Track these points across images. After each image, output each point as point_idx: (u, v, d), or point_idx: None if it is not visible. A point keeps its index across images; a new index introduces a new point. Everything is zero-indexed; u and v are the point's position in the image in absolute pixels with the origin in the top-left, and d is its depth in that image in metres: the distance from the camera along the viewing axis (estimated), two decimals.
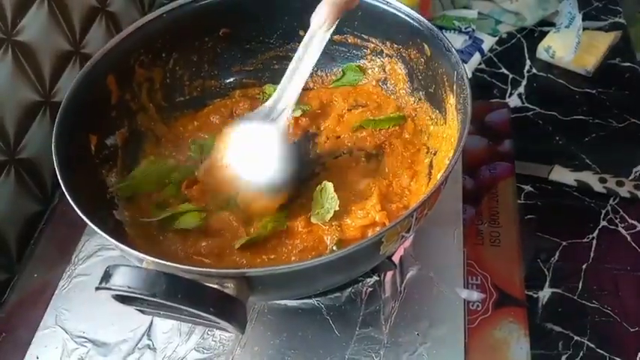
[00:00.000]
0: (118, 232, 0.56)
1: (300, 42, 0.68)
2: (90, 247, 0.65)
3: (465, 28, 0.94)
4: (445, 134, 0.60)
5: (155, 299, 0.39)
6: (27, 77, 0.72)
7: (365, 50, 0.68)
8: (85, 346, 0.59)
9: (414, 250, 0.62)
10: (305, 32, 0.67)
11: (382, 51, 0.67)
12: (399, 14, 0.61)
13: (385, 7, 0.61)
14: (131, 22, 0.93)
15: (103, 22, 0.88)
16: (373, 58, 0.68)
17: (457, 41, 0.92)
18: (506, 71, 0.91)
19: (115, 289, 0.40)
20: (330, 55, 0.69)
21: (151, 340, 0.58)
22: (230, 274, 0.43)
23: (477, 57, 0.92)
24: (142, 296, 0.40)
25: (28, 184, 0.74)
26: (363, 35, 0.67)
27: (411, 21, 0.60)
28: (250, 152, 0.59)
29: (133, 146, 0.64)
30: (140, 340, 0.58)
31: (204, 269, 0.43)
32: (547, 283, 0.66)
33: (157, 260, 0.43)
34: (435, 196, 0.49)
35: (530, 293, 0.65)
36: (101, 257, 0.64)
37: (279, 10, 0.66)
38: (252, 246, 0.56)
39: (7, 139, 0.70)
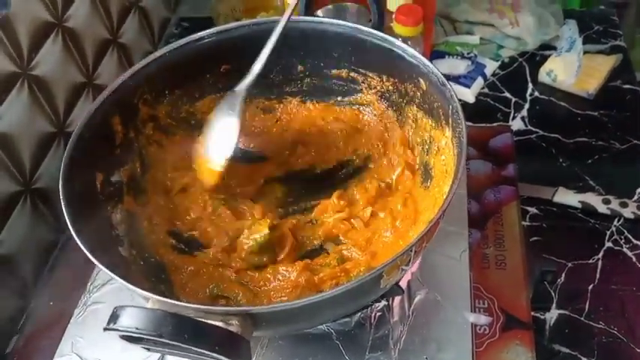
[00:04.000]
0: (123, 268, 0.57)
1: (298, 77, 0.71)
2: (104, 275, 0.67)
3: (468, 54, 0.96)
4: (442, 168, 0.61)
5: (162, 339, 0.41)
6: (42, 109, 0.74)
7: (362, 84, 0.69)
8: None
9: (421, 275, 0.63)
10: (304, 67, 0.71)
11: (377, 86, 0.69)
12: (395, 50, 0.62)
13: (380, 42, 0.62)
14: (142, 53, 0.98)
15: (114, 54, 0.90)
16: (369, 91, 0.70)
17: (460, 66, 0.94)
18: (509, 95, 0.93)
19: (122, 330, 0.41)
20: (328, 88, 0.70)
21: None
22: (233, 312, 0.45)
23: (479, 81, 0.93)
24: (149, 337, 0.41)
25: (43, 213, 0.75)
26: (360, 70, 0.68)
27: (406, 56, 0.61)
28: (216, 123, 0.62)
29: (137, 181, 0.65)
30: None
31: (209, 307, 0.45)
32: (554, 305, 0.67)
33: (162, 299, 0.45)
34: (434, 230, 0.50)
35: (538, 315, 0.66)
36: (115, 285, 0.66)
37: (278, 47, 0.68)
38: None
39: (23, 169, 0.72)
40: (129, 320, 0.41)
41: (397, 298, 0.60)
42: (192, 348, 0.42)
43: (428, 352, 0.58)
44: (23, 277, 0.72)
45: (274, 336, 0.60)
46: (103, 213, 0.60)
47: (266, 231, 0.60)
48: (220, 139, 0.62)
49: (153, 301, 0.46)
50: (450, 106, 0.57)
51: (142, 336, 0.41)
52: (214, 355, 0.42)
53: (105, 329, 0.42)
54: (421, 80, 0.62)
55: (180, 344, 0.41)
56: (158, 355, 0.60)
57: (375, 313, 0.59)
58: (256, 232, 0.59)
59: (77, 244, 0.49)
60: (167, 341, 0.41)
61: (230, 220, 0.63)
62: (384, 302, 0.59)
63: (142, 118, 0.65)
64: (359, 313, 0.58)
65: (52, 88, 0.76)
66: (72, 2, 0.79)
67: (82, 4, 0.81)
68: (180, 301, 0.57)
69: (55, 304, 0.68)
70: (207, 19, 1.02)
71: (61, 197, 0.52)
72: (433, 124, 0.62)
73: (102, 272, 0.67)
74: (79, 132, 0.57)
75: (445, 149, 0.60)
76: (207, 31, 0.66)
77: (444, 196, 0.51)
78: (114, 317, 0.42)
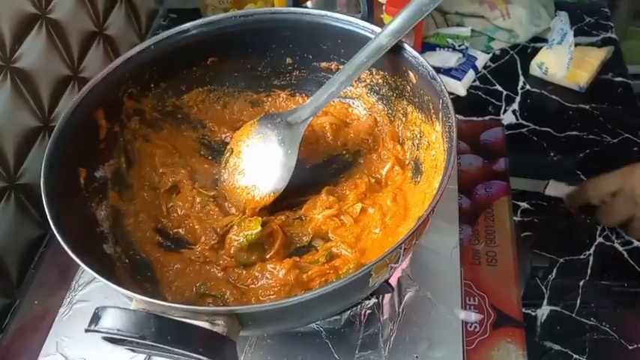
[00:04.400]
0: (108, 266, 0.56)
1: (286, 70, 0.70)
2: (89, 273, 0.65)
3: (459, 46, 0.95)
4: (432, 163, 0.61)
5: (145, 341, 0.40)
6: (26, 103, 0.73)
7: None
8: None
9: (411, 272, 0.62)
10: (292, 60, 0.70)
11: (366, 79, 0.68)
12: None
13: (369, 34, 0.61)
14: (129, 45, 0.96)
15: (100, 46, 0.89)
16: (359, 84, 0.69)
17: (451, 59, 0.93)
18: (500, 88, 0.92)
19: (104, 332, 0.40)
20: (317, 81, 0.69)
21: None
22: (220, 312, 0.44)
23: (471, 74, 0.93)
24: (131, 338, 0.40)
25: (28, 209, 0.74)
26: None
27: (396, 49, 0.60)
28: (262, 151, 0.63)
29: (122, 177, 0.64)
30: None
31: (194, 307, 0.43)
32: (545, 301, 0.67)
33: (146, 299, 0.44)
34: (423, 227, 0.49)
35: (529, 311, 0.65)
36: (101, 283, 0.63)
37: (266, 39, 0.67)
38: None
39: (7, 165, 0.70)
40: (110, 322, 0.40)
41: (387, 296, 0.59)
42: (176, 350, 0.41)
43: (418, 350, 0.57)
44: (8, 274, 0.71)
45: (263, 335, 0.59)
46: (87, 209, 0.59)
47: (259, 228, 0.59)
48: (266, 169, 0.62)
49: (137, 300, 0.45)
50: (440, 100, 0.56)
51: (124, 338, 0.40)
52: (198, 356, 0.41)
53: (86, 330, 0.41)
54: (411, 73, 0.61)
55: (163, 346, 0.40)
56: (144, 355, 0.59)
57: (365, 311, 0.59)
58: (247, 229, 0.58)
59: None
60: (150, 343, 0.40)
61: (218, 217, 0.62)
62: (374, 300, 0.59)
63: (126, 112, 0.64)
64: (349, 311, 0.58)
65: (37, 81, 0.74)
66: None
67: None
68: (166, 300, 0.56)
69: (40, 303, 0.67)
70: (195, 11, 1.01)
71: (42, 193, 0.51)
72: (423, 118, 0.62)
73: (87, 270, 0.67)
74: (61, 126, 0.56)
75: (435, 144, 0.59)
76: (194, 22, 0.65)
77: (434, 192, 0.50)
78: (95, 318, 0.41)
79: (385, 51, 0.58)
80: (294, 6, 0.68)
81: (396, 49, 0.60)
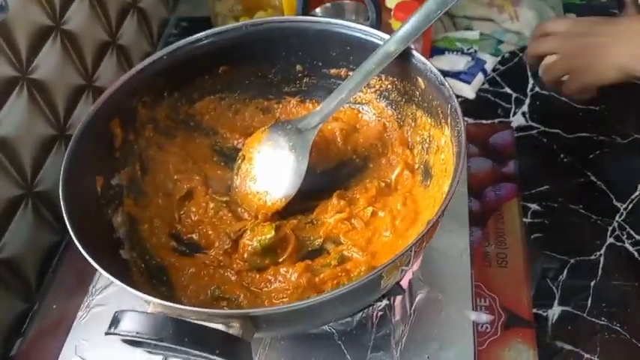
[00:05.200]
0: (125, 271, 0.57)
1: (296, 77, 0.71)
2: (106, 278, 0.67)
3: (468, 49, 0.96)
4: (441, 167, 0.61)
5: (163, 343, 0.41)
6: (42, 112, 0.75)
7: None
8: None
9: (422, 274, 0.63)
10: (302, 67, 0.71)
11: (375, 85, 0.69)
12: None
13: (378, 41, 0.62)
14: (141, 54, 0.98)
15: (114, 55, 0.90)
16: (368, 90, 0.70)
17: (460, 63, 0.93)
18: (509, 90, 0.92)
19: (123, 335, 0.42)
20: (327, 88, 0.70)
21: None
22: (234, 315, 0.45)
23: (480, 77, 0.93)
24: (149, 341, 0.41)
25: (44, 216, 0.76)
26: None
27: (405, 55, 0.61)
28: (273, 157, 0.64)
29: (137, 184, 0.65)
30: None
31: (210, 310, 0.45)
32: (556, 301, 0.67)
33: (163, 302, 0.45)
34: (433, 230, 0.50)
35: (540, 312, 0.65)
36: (117, 287, 0.65)
37: (277, 47, 0.68)
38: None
39: (24, 173, 0.72)
40: (130, 325, 0.42)
41: (398, 298, 0.60)
42: (193, 351, 0.42)
43: (430, 351, 0.58)
44: (26, 280, 0.73)
45: (276, 336, 0.60)
46: (104, 216, 0.60)
47: (272, 233, 0.60)
48: (277, 175, 0.64)
49: (154, 304, 0.46)
50: (449, 105, 0.56)
51: (143, 340, 0.42)
52: (215, 357, 0.42)
53: (106, 334, 0.43)
54: (419, 79, 0.62)
55: (181, 347, 0.42)
56: (160, 357, 0.60)
57: (377, 313, 0.59)
58: (260, 234, 0.60)
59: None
60: (168, 345, 0.42)
61: (231, 222, 0.63)
62: (385, 302, 0.60)
63: (141, 121, 0.65)
64: (360, 313, 0.59)
65: (52, 91, 0.76)
66: (70, 4, 0.79)
67: (81, 6, 0.81)
68: (182, 303, 0.57)
69: (58, 307, 0.68)
70: (206, 19, 1.02)
71: (61, 201, 0.52)
72: (432, 123, 0.62)
73: (103, 274, 0.68)
74: (78, 136, 0.57)
75: (444, 148, 0.60)
76: (205, 32, 0.66)
77: (444, 195, 0.51)
78: (115, 322, 0.42)
79: (394, 57, 0.59)
80: (303, 14, 0.69)
81: (405, 55, 0.61)
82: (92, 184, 0.59)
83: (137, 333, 0.41)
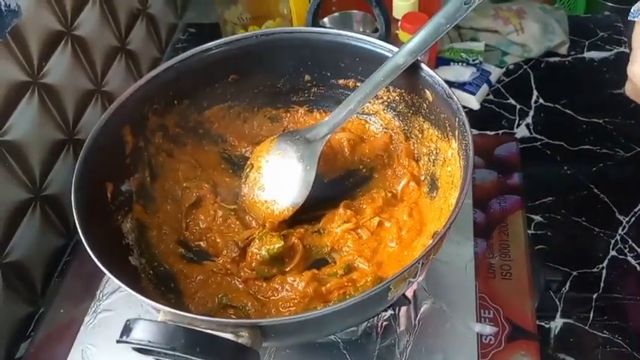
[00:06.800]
0: (133, 277, 0.58)
1: (305, 87, 0.72)
2: (114, 283, 0.67)
3: (473, 60, 0.96)
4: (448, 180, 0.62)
5: (174, 352, 0.42)
6: (51, 117, 0.75)
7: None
8: None
9: (427, 285, 0.64)
10: (311, 77, 0.71)
11: (383, 96, 0.69)
12: None
13: (387, 53, 0.63)
14: (150, 59, 0.99)
15: (123, 61, 0.91)
16: (376, 101, 0.70)
17: (465, 73, 0.94)
18: (513, 102, 0.93)
19: (135, 343, 0.42)
20: (335, 98, 0.71)
21: None
22: (244, 324, 0.46)
23: (484, 88, 0.94)
24: (161, 350, 0.42)
25: (52, 220, 0.76)
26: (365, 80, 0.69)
27: (413, 67, 0.61)
28: (281, 166, 0.64)
29: (147, 190, 0.66)
30: None
31: (220, 320, 0.46)
32: (559, 314, 0.67)
33: (173, 311, 0.46)
34: (441, 242, 0.50)
35: (542, 323, 0.66)
36: (125, 293, 0.66)
37: (286, 57, 0.69)
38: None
39: (33, 177, 0.72)
40: (141, 334, 0.42)
41: (403, 308, 0.61)
42: None
43: None
44: (32, 283, 0.73)
45: (282, 345, 0.61)
46: (114, 222, 0.61)
47: (281, 243, 0.60)
48: (285, 185, 0.64)
49: (164, 312, 0.46)
50: (457, 119, 0.57)
51: (154, 349, 0.42)
52: None
53: (118, 342, 0.43)
54: (427, 92, 0.62)
55: (192, 357, 0.42)
56: None
57: (382, 323, 0.60)
58: (269, 244, 0.60)
59: (86, 251, 0.50)
60: (179, 354, 0.42)
61: (239, 230, 0.64)
62: (390, 312, 0.60)
63: (151, 128, 0.66)
64: (366, 323, 0.59)
65: (62, 96, 0.77)
66: (81, 11, 0.80)
67: (91, 12, 0.82)
68: (189, 310, 0.58)
69: (65, 312, 0.69)
70: (214, 25, 1.02)
71: (73, 207, 0.53)
72: (439, 135, 0.63)
73: (111, 280, 0.68)
74: (90, 142, 0.58)
75: (451, 160, 0.61)
76: (215, 42, 0.67)
77: (450, 208, 0.52)
78: (126, 330, 0.43)
79: (402, 70, 0.60)
80: (313, 24, 0.70)
81: (413, 68, 0.61)
82: (103, 191, 0.60)
83: (149, 342, 0.42)
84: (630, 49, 0.58)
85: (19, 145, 0.69)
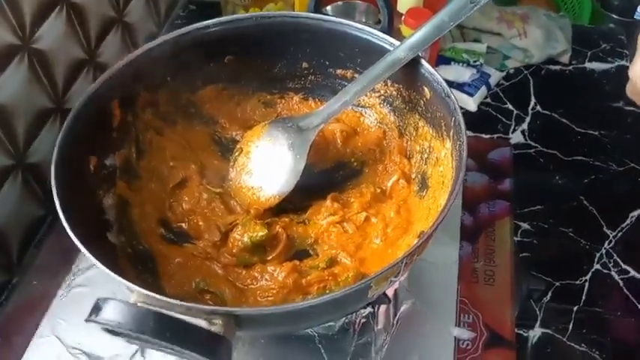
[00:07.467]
0: (110, 255, 0.56)
1: (302, 74, 0.71)
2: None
3: (474, 62, 0.95)
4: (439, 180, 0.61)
5: (143, 336, 0.41)
6: (41, 84, 0.73)
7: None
8: (79, 358, 0.60)
9: (409, 284, 0.63)
10: (309, 64, 0.70)
11: (380, 90, 0.68)
12: None
13: (388, 47, 0.62)
14: (147, 34, 0.97)
15: (119, 33, 0.89)
16: (372, 94, 0.69)
17: (465, 74, 0.93)
18: (511, 107, 0.92)
19: (103, 323, 0.41)
20: (331, 87, 0.70)
21: (144, 356, 0.59)
22: (218, 312, 0.44)
23: (483, 91, 0.93)
24: (130, 333, 0.41)
25: (33, 189, 0.75)
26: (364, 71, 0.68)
27: (413, 63, 0.60)
28: (271, 153, 0.63)
29: (132, 167, 0.64)
30: (134, 355, 0.59)
31: (193, 305, 0.44)
32: (538, 323, 0.67)
33: (146, 292, 0.44)
34: (426, 243, 0.49)
35: (521, 332, 0.66)
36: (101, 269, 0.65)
37: (285, 42, 0.67)
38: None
39: (17, 144, 0.71)
40: (111, 314, 0.41)
41: (383, 306, 0.60)
42: (173, 346, 0.41)
43: None
44: (8, 251, 0.72)
45: (257, 336, 0.60)
46: (95, 196, 0.59)
47: (265, 231, 0.59)
48: (273, 172, 0.63)
49: (137, 293, 0.45)
50: (453, 119, 0.56)
51: (123, 332, 0.41)
52: (195, 355, 0.42)
53: (86, 320, 0.42)
54: (425, 89, 0.61)
55: (161, 342, 0.41)
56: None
57: (360, 320, 0.59)
58: (252, 231, 0.59)
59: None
60: (148, 338, 0.41)
61: (223, 215, 0.63)
62: (369, 309, 0.59)
63: (141, 103, 0.64)
64: (344, 319, 0.58)
65: (53, 63, 0.75)
66: None
67: None
68: (165, 292, 0.57)
69: (39, 283, 0.67)
70: (215, 4, 1.01)
71: (52, 177, 0.51)
72: (434, 134, 0.62)
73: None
74: (76, 112, 0.56)
75: (444, 161, 0.60)
76: (214, 20, 0.66)
77: (439, 209, 0.51)
78: (96, 309, 0.42)
79: (402, 65, 0.59)
80: (315, 11, 0.68)
81: (413, 64, 0.60)
82: (86, 163, 0.58)
83: (118, 323, 0.40)
84: (634, 51, 0.57)
85: (4, 110, 0.67)
